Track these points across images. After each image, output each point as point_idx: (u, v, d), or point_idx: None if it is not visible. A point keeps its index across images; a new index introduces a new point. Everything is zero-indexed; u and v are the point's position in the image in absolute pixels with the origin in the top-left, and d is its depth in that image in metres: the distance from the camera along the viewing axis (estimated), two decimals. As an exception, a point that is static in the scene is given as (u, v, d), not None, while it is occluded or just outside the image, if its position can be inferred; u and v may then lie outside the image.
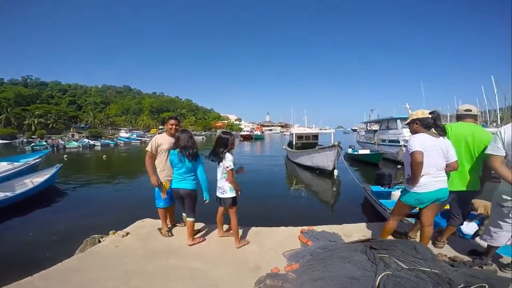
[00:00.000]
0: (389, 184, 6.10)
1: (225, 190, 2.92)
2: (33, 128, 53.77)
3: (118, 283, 2.29)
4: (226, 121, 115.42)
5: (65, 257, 2.80)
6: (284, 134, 61.16)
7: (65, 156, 22.85)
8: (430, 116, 2.45)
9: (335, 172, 11.31)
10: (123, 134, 55.91)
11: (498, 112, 25.33)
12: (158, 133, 3.56)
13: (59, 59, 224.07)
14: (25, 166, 9.93)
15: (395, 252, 2.16)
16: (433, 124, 2.45)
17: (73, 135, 50.43)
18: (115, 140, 44.60)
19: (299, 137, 17.80)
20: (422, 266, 1.97)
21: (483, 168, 2.62)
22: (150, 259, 2.76)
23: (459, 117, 2.78)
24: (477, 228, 3.56)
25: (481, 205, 3.81)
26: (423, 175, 2.40)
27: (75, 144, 34.71)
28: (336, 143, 11.32)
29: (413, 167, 2.37)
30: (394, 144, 16.50)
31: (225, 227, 3.37)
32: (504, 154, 2.15)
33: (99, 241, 3.24)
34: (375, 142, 19.10)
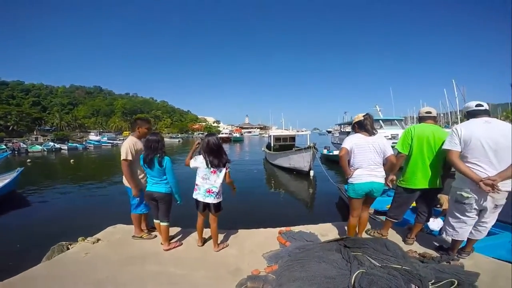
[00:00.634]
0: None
1: (220, 194, 2.88)
2: (-10, 130, 49.16)
3: (91, 292, 2.19)
4: (204, 123, 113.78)
5: (31, 266, 2.61)
6: (263, 136, 61.64)
7: (28, 160, 21.17)
8: (363, 118, 2.83)
9: (311, 172, 11.63)
10: (93, 137, 52.88)
11: (458, 113, 27.61)
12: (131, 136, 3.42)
13: (21, 57, 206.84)
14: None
15: (368, 250, 2.25)
16: (366, 125, 2.80)
17: (36, 138, 46.51)
18: (84, 143, 42.07)
19: (277, 139, 18.07)
20: (393, 263, 2.06)
21: (443, 166, 2.80)
22: (124, 266, 2.65)
23: (421, 119, 2.97)
24: (443, 224, 3.82)
25: (446, 201, 4.05)
26: (357, 168, 2.79)
27: (39, 147, 32.32)
28: (311, 145, 11.65)
29: (339, 160, 2.86)
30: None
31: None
32: (460, 149, 2.34)
33: (68, 248, 3.07)
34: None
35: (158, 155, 2.82)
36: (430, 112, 2.93)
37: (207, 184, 2.79)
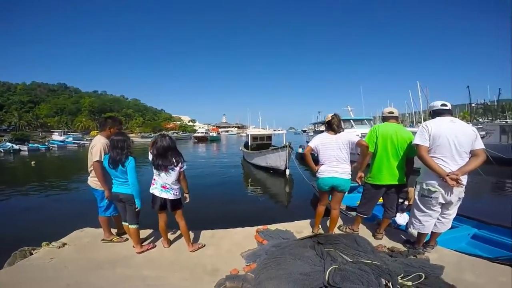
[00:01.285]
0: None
1: (177, 192, 2.88)
2: None
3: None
4: (179, 122, 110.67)
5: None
6: (241, 136, 61.50)
7: (-20, 163, 19.20)
8: (331, 118, 3.08)
9: (287, 171, 11.85)
10: (56, 137, 49.04)
11: (422, 113, 29.67)
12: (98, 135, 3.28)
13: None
14: None
15: (339, 246, 2.35)
16: (332, 124, 3.05)
17: (-10, 139, 42.47)
18: (46, 144, 38.97)
19: (254, 138, 18.16)
20: (364, 258, 2.16)
21: (407, 163, 3.00)
22: (94, 270, 2.56)
23: (384, 119, 3.17)
24: (409, 218, 4.08)
25: (412, 196, 4.35)
26: (322, 164, 3.08)
27: (-6, 149, 29.40)
28: (287, 144, 11.87)
29: (304, 157, 3.23)
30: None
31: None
32: (429, 145, 2.53)
33: (31, 254, 2.90)
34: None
35: (123, 155, 2.76)
36: (392, 112, 3.12)
37: (161, 180, 2.81)
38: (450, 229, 2.86)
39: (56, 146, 37.09)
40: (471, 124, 2.86)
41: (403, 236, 3.19)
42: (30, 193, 9.82)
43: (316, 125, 27.99)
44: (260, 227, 3.54)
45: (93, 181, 3.07)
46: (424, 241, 2.83)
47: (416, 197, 2.76)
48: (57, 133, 53.26)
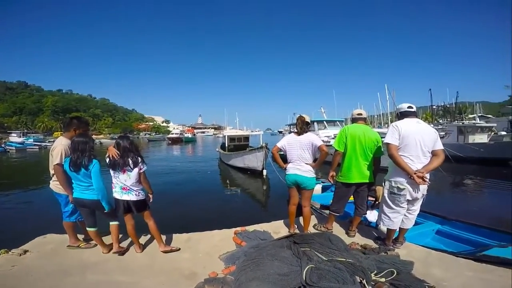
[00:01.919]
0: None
1: (140, 192, 2.82)
2: None
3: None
4: (152, 123, 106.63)
5: None
6: (218, 137, 60.69)
7: None
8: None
9: (264, 172, 11.97)
10: (14, 138, 44.82)
11: (389, 115, 31.48)
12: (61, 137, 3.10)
13: None
14: None
15: (314, 245, 2.43)
16: (296, 126, 3.29)
17: None
18: (2, 146, 35.55)
19: (231, 139, 18.07)
20: (338, 256, 2.24)
21: (374, 162, 3.17)
22: (62, 277, 2.42)
23: (353, 120, 3.33)
24: (378, 215, 4.29)
25: (381, 193, 4.57)
26: (289, 162, 3.31)
27: None
28: (263, 145, 11.99)
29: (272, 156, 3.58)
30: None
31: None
32: (398, 144, 2.69)
33: None
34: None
35: (86, 157, 2.64)
36: (361, 114, 3.29)
37: (119, 182, 2.74)
38: (415, 225, 3.06)
39: (14, 148, 33.96)
40: (432, 125, 3.14)
41: (374, 233, 3.35)
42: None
43: (291, 126, 28.58)
44: (238, 228, 3.54)
45: (56, 185, 2.91)
46: (394, 237, 2.99)
47: (385, 195, 2.90)
48: (15, 134, 48.63)
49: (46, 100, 78.68)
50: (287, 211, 3.47)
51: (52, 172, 2.90)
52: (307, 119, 3.30)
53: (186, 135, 65.02)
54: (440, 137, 2.77)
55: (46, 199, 7.65)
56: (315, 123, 18.90)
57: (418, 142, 2.63)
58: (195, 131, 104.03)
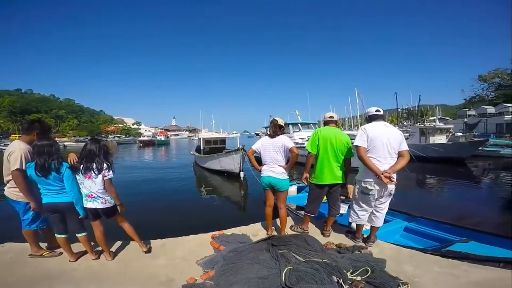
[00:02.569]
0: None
1: (106, 199, 2.71)
2: None
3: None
4: (121, 125, 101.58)
5: None
6: (193, 139, 59.39)
7: None
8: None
9: (242, 174, 11.96)
10: (-37, 142, 40.36)
11: (358, 118, 33.05)
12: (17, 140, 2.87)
13: None
14: None
15: (292, 246, 2.46)
16: (269, 129, 3.37)
17: None
18: None
19: (207, 142, 17.83)
20: (314, 257, 2.28)
21: (345, 164, 3.28)
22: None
23: (325, 123, 3.44)
24: (348, 211, 4.45)
25: (351, 191, 4.74)
26: (264, 165, 3.35)
27: None
28: (240, 147, 11.99)
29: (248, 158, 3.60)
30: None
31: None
32: (366, 146, 2.84)
33: None
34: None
35: (55, 160, 2.50)
36: (332, 117, 3.41)
37: (85, 189, 2.64)
38: (384, 223, 3.24)
39: (-39, 154, 30.48)
40: (397, 128, 3.38)
41: (348, 232, 3.46)
42: None
43: (267, 128, 28.82)
44: (216, 232, 3.49)
45: (13, 192, 2.68)
46: (362, 231, 3.18)
47: (356, 194, 3.08)
48: (-37, 138, 43.71)
49: (2, 100, 71.95)
50: (264, 214, 3.49)
51: (7, 178, 2.67)
52: (280, 122, 3.35)
53: (159, 137, 62.92)
54: (404, 139, 2.97)
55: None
56: (290, 126, 19.25)
57: (385, 144, 2.80)
58: (169, 133, 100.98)
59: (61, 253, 2.86)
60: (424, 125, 20.67)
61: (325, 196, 3.41)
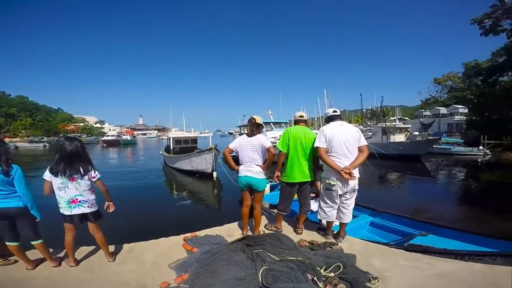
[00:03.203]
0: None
1: (92, 202, 2.60)
2: None
3: None
4: (82, 124, 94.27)
5: None
6: (162, 139, 57.06)
7: None
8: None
9: (214, 174, 11.81)
10: None
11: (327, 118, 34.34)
12: None
13: None
14: None
15: (266, 246, 2.47)
16: (247, 128, 3.39)
17: None
18: None
19: (177, 141, 17.31)
20: (288, 255, 2.30)
21: (314, 161, 3.37)
22: None
23: (296, 122, 3.52)
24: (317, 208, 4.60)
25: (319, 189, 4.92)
26: (240, 164, 3.32)
27: None
28: (213, 146, 11.83)
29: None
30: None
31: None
32: (326, 146, 2.98)
33: None
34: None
35: (3, 162, 2.32)
36: (302, 116, 3.51)
37: (67, 194, 2.47)
38: (352, 218, 3.41)
39: None
40: (357, 125, 3.58)
41: (319, 229, 3.57)
42: None
43: (241, 127, 28.87)
44: (188, 234, 3.38)
45: None
46: (332, 227, 3.31)
47: (322, 191, 3.21)
48: None
49: None
50: (240, 213, 3.46)
51: None
52: (259, 120, 3.33)
53: (124, 137, 59.66)
54: (368, 137, 3.17)
55: None
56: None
57: (342, 142, 2.96)
58: (136, 132, 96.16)
59: (16, 261, 2.62)
60: (386, 124, 22.17)
61: (296, 194, 3.49)
